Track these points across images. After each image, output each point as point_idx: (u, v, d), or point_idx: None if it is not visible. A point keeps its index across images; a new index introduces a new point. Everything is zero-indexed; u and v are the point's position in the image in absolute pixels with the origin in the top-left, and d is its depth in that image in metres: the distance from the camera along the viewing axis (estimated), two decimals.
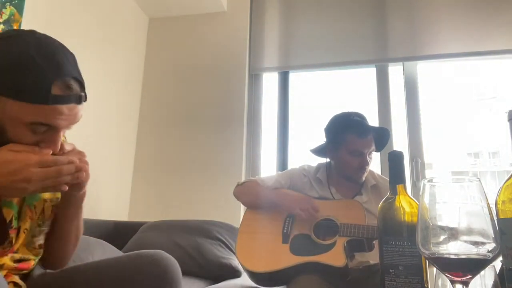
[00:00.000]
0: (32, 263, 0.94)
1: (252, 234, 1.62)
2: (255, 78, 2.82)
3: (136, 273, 0.86)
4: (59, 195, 0.99)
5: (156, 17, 3.01)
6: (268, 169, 2.67)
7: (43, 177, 0.78)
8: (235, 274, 1.87)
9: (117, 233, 2.12)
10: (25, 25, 1.86)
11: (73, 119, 0.85)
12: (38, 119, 0.79)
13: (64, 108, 0.81)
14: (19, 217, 0.90)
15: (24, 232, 0.91)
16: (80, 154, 0.88)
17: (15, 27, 1.82)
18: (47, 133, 0.83)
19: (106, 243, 1.75)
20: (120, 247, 1.90)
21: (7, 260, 0.87)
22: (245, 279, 1.71)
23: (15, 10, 1.82)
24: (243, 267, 1.56)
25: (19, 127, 0.79)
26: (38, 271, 0.99)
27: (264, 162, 2.67)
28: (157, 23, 3.01)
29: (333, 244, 1.46)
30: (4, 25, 1.77)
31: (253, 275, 1.54)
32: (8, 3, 1.79)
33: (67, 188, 0.84)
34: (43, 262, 1.01)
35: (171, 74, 2.87)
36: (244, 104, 2.69)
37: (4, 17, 1.77)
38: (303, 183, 1.72)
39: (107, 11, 2.53)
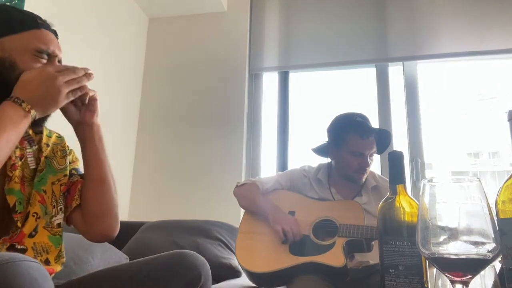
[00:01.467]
0: (54, 270, 0.96)
1: (252, 234, 1.62)
2: (255, 78, 2.82)
3: (171, 273, 0.90)
4: (66, 171, 1.04)
5: (156, 17, 3.01)
6: (268, 169, 2.67)
7: (66, 77, 0.88)
8: (235, 274, 1.87)
9: (117, 233, 2.12)
10: None
11: (59, 48, 0.99)
12: (38, 44, 0.93)
13: (50, 35, 0.97)
14: (28, 202, 0.95)
15: (34, 216, 0.94)
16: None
17: None
18: (48, 62, 0.95)
19: (106, 243, 1.75)
20: (120, 247, 1.90)
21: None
22: (245, 279, 1.71)
23: None
24: (243, 268, 1.56)
25: (25, 56, 0.91)
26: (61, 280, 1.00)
27: (264, 162, 2.67)
28: (157, 23, 3.01)
29: (332, 245, 1.46)
30: None
31: (253, 275, 1.54)
32: (8, 3, 1.79)
33: (88, 83, 0.93)
34: (91, 232, 1.02)
35: (171, 74, 2.87)
36: (244, 104, 2.69)
37: None
38: (303, 184, 1.72)
39: (107, 11, 2.53)
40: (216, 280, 1.79)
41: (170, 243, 1.91)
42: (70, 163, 1.07)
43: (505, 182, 0.67)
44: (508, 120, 0.68)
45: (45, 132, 1.04)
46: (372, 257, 1.52)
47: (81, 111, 1.00)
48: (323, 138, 1.76)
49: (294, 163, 2.59)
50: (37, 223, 0.95)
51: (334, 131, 1.71)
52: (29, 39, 0.92)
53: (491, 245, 0.54)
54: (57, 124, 1.04)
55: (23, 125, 0.83)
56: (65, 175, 1.04)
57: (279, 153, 2.65)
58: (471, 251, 0.55)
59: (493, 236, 0.55)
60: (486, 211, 0.56)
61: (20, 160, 0.96)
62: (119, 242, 1.92)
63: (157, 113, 2.82)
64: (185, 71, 2.85)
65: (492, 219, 0.56)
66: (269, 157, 2.68)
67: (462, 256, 0.55)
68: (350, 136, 1.63)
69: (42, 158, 1.00)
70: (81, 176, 1.06)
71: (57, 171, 1.03)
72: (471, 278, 0.55)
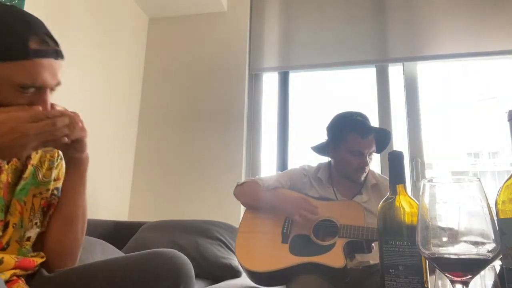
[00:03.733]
0: (35, 261, 0.92)
1: (252, 234, 1.62)
2: (255, 78, 2.82)
3: (152, 271, 0.85)
4: (50, 186, 0.98)
5: (156, 17, 3.01)
6: (268, 169, 2.67)
7: (39, 130, 0.79)
8: (235, 274, 1.87)
9: (117, 233, 2.12)
10: None
11: (55, 75, 0.85)
12: (23, 79, 0.80)
13: (45, 62, 0.82)
14: (8, 211, 0.90)
15: (13, 227, 0.90)
16: (73, 113, 0.88)
17: None
18: (35, 95, 0.83)
19: (106, 243, 1.75)
20: (120, 247, 1.90)
21: (6, 256, 0.85)
22: (245, 279, 1.71)
23: None
24: (243, 267, 1.56)
25: (7, 90, 0.80)
26: (46, 273, 0.96)
27: (264, 162, 2.67)
28: (157, 23, 3.01)
29: (333, 245, 1.46)
30: None
31: (252, 275, 1.54)
32: (8, 3, 1.79)
33: (67, 140, 0.84)
34: (48, 264, 0.97)
35: (171, 74, 2.87)
36: (244, 104, 2.69)
37: None
38: (303, 183, 1.72)
39: (107, 11, 2.53)
40: (216, 280, 1.80)
41: (170, 243, 1.91)
42: (54, 179, 1.01)
43: (505, 182, 0.67)
44: (508, 120, 0.68)
45: None
46: (372, 257, 1.52)
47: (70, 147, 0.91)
48: (323, 138, 1.76)
49: (294, 163, 2.59)
50: (11, 235, 0.90)
51: (333, 129, 1.71)
52: (13, 72, 0.79)
53: (491, 245, 0.54)
54: None
55: None
56: (47, 190, 0.98)
57: (279, 153, 2.65)
58: (471, 251, 0.55)
59: (493, 236, 0.55)
60: (486, 211, 0.56)
61: (7, 164, 0.90)
62: (119, 242, 1.93)
63: (157, 113, 2.82)
64: (185, 71, 2.85)
65: (492, 219, 0.56)
66: (269, 157, 2.68)
67: (462, 256, 0.55)
68: (350, 135, 1.63)
69: (29, 166, 0.95)
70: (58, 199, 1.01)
71: (40, 183, 0.96)
72: (471, 278, 0.55)
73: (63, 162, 1.03)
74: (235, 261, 1.88)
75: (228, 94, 2.73)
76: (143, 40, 2.97)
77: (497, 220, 0.64)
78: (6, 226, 0.89)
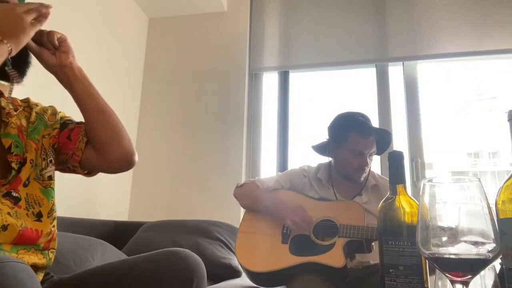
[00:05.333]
0: (38, 232, 0.92)
1: (252, 234, 1.62)
2: (255, 78, 2.82)
3: (165, 270, 0.86)
4: (57, 125, 1.03)
5: (156, 17, 3.01)
6: (268, 169, 2.67)
7: (23, 8, 0.85)
8: (235, 274, 1.87)
9: (117, 233, 2.12)
10: None
11: None
12: None
13: None
14: (25, 149, 0.94)
15: (30, 163, 0.94)
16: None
17: None
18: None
19: (106, 243, 1.75)
20: (120, 247, 1.90)
21: (12, 222, 0.85)
22: (245, 279, 1.71)
23: None
24: (243, 267, 1.56)
25: None
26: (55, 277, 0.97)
27: (264, 162, 2.67)
28: (157, 23, 3.01)
29: (333, 245, 1.46)
30: None
31: (253, 275, 1.54)
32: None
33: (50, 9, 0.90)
34: (111, 164, 1.01)
35: (171, 74, 2.87)
36: (244, 104, 2.69)
37: None
38: (303, 184, 1.72)
39: (107, 11, 2.53)
40: (216, 280, 1.80)
41: (170, 243, 1.91)
42: (61, 118, 1.07)
43: (505, 182, 0.67)
44: (508, 120, 0.68)
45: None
46: (372, 257, 1.52)
47: (56, 56, 0.99)
48: (324, 137, 1.76)
49: (294, 163, 2.59)
50: (30, 172, 0.94)
51: (335, 129, 1.71)
52: None
53: (491, 245, 0.54)
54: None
55: (2, 56, 0.81)
56: (55, 129, 1.03)
57: (279, 153, 2.65)
58: (471, 251, 0.55)
59: (493, 236, 0.55)
60: (486, 211, 0.56)
61: (15, 111, 0.97)
62: (119, 242, 1.93)
63: (157, 113, 2.82)
64: (185, 71, 2.85)
65: (492, 219, 0.56)
66: (269, 157, 2.68)
67: (462, 256, 0.55)
68: (351, 135, 1.63)
69: (33, 113, 1.01)
70: (78, 123, 1.06)
71: (47, 125, 1.02)
72: (471, 278, 0.55)
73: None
74: (235, 261, 1.88)
75: (228, 94, 2.73)
76: (143, 40, 2.97)
77: (497, 220, 0.64)
78: (23, 163, 0.93)
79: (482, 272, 0.73)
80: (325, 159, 1.78)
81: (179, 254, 0.88)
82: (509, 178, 0.67)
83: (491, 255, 0.54)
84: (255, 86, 2.81)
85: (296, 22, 2.77)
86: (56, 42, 0.98)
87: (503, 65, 2.80)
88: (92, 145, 1.01)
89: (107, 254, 1.66)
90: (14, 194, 0.89)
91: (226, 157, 2.61)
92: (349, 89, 3.05)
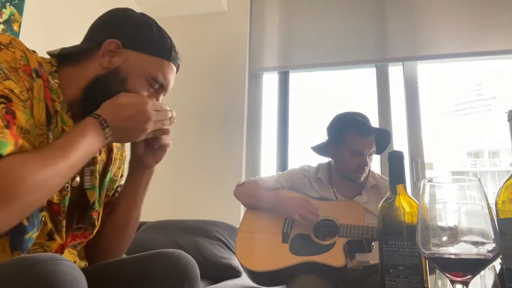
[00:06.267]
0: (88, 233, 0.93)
1: (252, 234, 1.62)
2: (255, 78, 2.82)
3: (158, 271, 0.86)
4: (117, 184, 1.02)
5: (156, 17, 3.00)
6: (268, 169, 2.67)
7: (158, 117, 0.86)
8: (235, 274, 1.87)
9: None
10: (25, 25, 1.86)
11: (171, 84, 0.96)
12: (158, 74, 0.90)
13: (174, 69, 0.96)
14: (100, 202, 0.93)
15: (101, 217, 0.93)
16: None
17: (15, 27, 1.82)
18: (153, 94, 0.92)
19: None
20: None
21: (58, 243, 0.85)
22: (245, 279, 1.71)
23: (15, 10, 1.82)
24: (243, 267, 1.56)
25: (139, 79, 0.88)
26: None
27: (264, 162, 2.67)
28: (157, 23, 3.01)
29: (333, 245, 1.46)
30: (4, 25, 1.77)
31: (253, 275, 1.54)
32: (8, 3, 1.79)
33: (169, 133, 0.92)
34: (92, 258, 0.99)
35: None
36: (244, 104, 2.69)
37: (4, 17, 1.77)
38: (303, 183, 1.72)
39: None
40: (216, 280, 1.80)
41: (170, 243, 1.91)
42: (120, 176, 1.05)
43: (505, 182, 0.67)
44: (508, 120, 0.68)
45: None
46: (372, 257, 1.52)
47: (147, 150, 0.96)
48: (323, 137, 1.76)
49: (294, 163, 2.59)
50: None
51: (334, 129, 1.71)
52: (154, 66, 0.90)
53: (491, 245, 0.54)
54: None
55: (96, 150, 0.80)
56: (112, 188, 1.02)
57: (279, 153, 2.65)
58: (471, 251, 0.55)
59: (493, 236, 0.55)
60: (486, 211, 0.56)
61: (99, 154, 0.93)
62: None
63: None
64: (185, 71, 2.83)
65: (492, 219, 0.56)
66: (269, 157, 2.68)
67: (462, 256, 0.55)
68: (350, 135, 1.63)
69: (113, 159, 0.98)
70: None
71: (112, 180, 1.00)
72: (471, 278, 0.55)
73: (127, 162, 1.08)
74: (235, 261, 1.88)
75: (228, 94, 2.72)
76: None
77: (497, 220, 0.64)
78: (99, 216, 0.93)
79: (482, 272, 0.73)
80: (325, 159, 1.78)
81: (172, 255, 0.88)
82: (509, 178, 0.67)
83: (491, 255, 0.54)
84: (255, 86, 2.81)
85: (296, 22, 2.77)
86: (156, 146, 0.95)
87: (503, 65, 2.80)
88: (95, 239, 0.97)
89: None
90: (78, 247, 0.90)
91: (226, 157, 2.61)
92: (349, 89, 3.05)
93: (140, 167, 0.97)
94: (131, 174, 0.98)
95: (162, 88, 0.93)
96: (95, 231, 0.91)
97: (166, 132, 0.92)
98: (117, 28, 0.90)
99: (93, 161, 0.90)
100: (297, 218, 1.53)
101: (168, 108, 0.90)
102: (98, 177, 0.92)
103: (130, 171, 0.98)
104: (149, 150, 0.95)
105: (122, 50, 0.88)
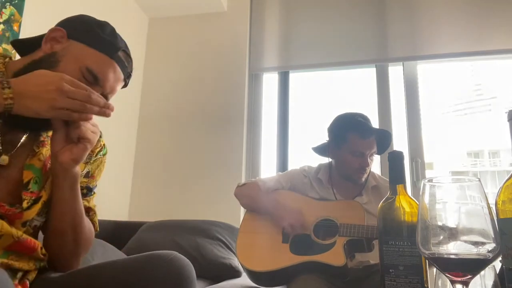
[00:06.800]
0: (37, 244, 0.88)
1: (252, 234, 1.62)
2: (255, 78, 2.82)
3: (152, 273, 0.84)
4: (94, 183, 1.00)
5: (156, 17, 3.01)
6: (268, 169, 2.67)
7: (73, 93, 0.78)
8: (235, 274, 1.87)
9: (117, 233, 2.12)
10: (25, 25, 1.86)
11: (113, 88, 0.93)
12: (93, 65, 0.87)
13: (117, 70, 0.92)
14: (44, 187, 0.88)
15: (42, 204, 0.88)
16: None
17: (15, 27, 1.82)
18: (89, 87, 0.84)
19: (106, 243, 1.75)
20: (120, 247, 1.90)
21: (6, 229, 0.81)
22: (245, 279, 1.71)
23: (15, 10, 1.82)
24: (243, 267, 1.56)
25: (72, 65, 0.86)
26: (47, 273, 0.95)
27: (264, 162, 2.67)
28: (157, 23, 3.01)
29: (333, 244, 1.46)
30: (4, 25, 1.77)
31: (253, 275, 1.54)
32: (8, 3, 1.79)
33: (92, 117, 0.84)
34: (49, 264, 0.95)
35: (171, 74, 2.87)
36: (244, 104, 2.69)
37: (4, 17, 1.77)
38: (304, 184, 1.72)
39: (107, 11, 2.52)
40: (216, 280, 1.80)
41: (170, 243, 1.91)
42: (86, 176, 0.98)
43: (505, 182, 0.67)
44: (508, 120, 0.68)
45: None
46: (372, 257, 1.52)
47: (64, 146, 0.85)
48: (323, 138, 1.76)
49: (294, 163, 2.59)
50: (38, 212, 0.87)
51: (334, 130, 1.71)
52: (92, 57, 0.88)
53: (491, 245, 0.54)
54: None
55: None
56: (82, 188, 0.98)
57: (279, 153, 2.65)
58: (471, 251, 0.55)
59: (493, 236, 0.55)
60: (486, 211, 0.56)
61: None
62: (119, 242, 1.93)
63: (157, 113, 2.82)
64: (185, 71, 2.85)
65: (492, 219, 0.56)
66: (269, 157, 2.68)
67: (462, 256, 0.55)
68: (351, 136, 1.63)
69: None
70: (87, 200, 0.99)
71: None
72: (471, 278, 0.55)
73: (105, 160, 1.04)
74: (235, 261, 1.88)
75: (228, 94, 2.73)
76: (143, 40, 2.97)
77: (497, 220, 0.64)
78: (36, 201, 0.87)
79: (482, 272, 0.73)
80: (326, 160, 1.78)
81: (166, 257, 0.86)
82: (509, 178, 0.67)
83: (491, 255, 0.54)
84: (255, 86, 2.81)
85: (296, 22, 2.77)
86: (76, 139, 0.86)
87: (503, 65, 2.80)
88: (44, 246, 0.92)
89: (107, 254, 1.66)
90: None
91: (226, 157, 2.61)
92: (349, 89, 3.05)
93: (58, 169, 0.86)
94: (54, 177, 0.89)
95: (97, 82, 0.89)
96: (25, 214, 0.85)
97: (85, 117, 0.82)
98: (67, 22, 0.93)
99: (37, 144, 0.88)
100: (286, 226, 1.53)
101: (100, 96, 0.83)
102: (43, 160, 0.87)
103: (52, 169, 0.89)
104: (67, 145, 0.85)
105: (66, 40, 0.89)
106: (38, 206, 0.88)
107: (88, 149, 0.86)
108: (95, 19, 0.96)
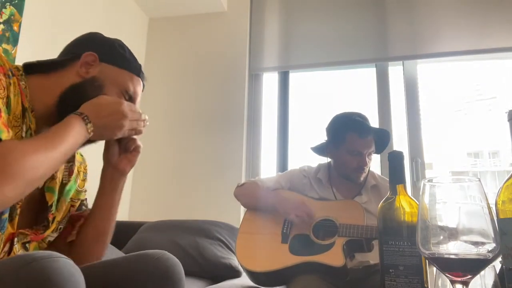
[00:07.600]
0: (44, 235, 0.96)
1: (252, 234, 1.62)
2: (255, 78, 2.82)
3: (139, 273, 0.85)
4: (82, 196, 1.06)
5: (156, 17, 3.01)
6: (268, 169, 2.67)
7: (133, 116, 0.94)
8: (235, 274, 1.87)
9: (117, 233, 2.10)
10: (25, 25, 1.86)
11: (138, 98, 1.05)
12: (130, 87, 0.99)
13: (142, 85, 1.05)
14: (57, 207, 0.96)
15: (56, 224, 0.95)
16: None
17: (15, 27, 1.82)
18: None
19: None
20: (120, 247, 1.90)
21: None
22: (245, 279, 1.71)
23: (15, 10, 1.82)
24: (243, 267, 1.56)
25: (113, 88, 0.97)
26: None
27: (264, 162, 2.67)
28: (157, 23, 3.01)
29: (332, 244, 1.46)
30: (4, 25, 1.77)
31: (253, 275, 1.55)
32: (8, 3, 1.79)
33: (142, 132, 1.00)
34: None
35: (171, 74, 2.87)
36: (244, 104, 2.69)
37: (4, 17, 1.77)
38: (303, 184, 1.72)
39: (107, 11, 2.53)
40: (216, 280, 1.80)
41: (170, 243, 1.91)
42: (84, 191, 1.08)
43: (505, 182, 0.67)
44: (508, 120, 0.68)
45: None
46: (372, 257, 1.52)
47: (120, 156, 1.02)
48: (323, 138, 1.76)
49: (294, 163, 2.59)
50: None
51: (333, 130, 1.72)
52: (126, 79, 0.99)
53: (491, 245, 0.54)
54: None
55: (80, 143, 0.85)
56: (79, 199, 1.05)
57: (279, 153, 2.65)
58: (471, 251, 0.55)
59: (493, 236, 0.55)
60: (486, 211, 0.56)
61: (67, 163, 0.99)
62: (119, 242, 1.93)
63: (157, 113, 2.82)
64: (185, 71, 2.85)
65: (492, 219, 0.56)
66: (269, 157, 2.68)
67: (462, 256, 0.54)
68: (349, 135, 1.63)
69: (73, 174, 1.02)
70: (86, 212, 1.06)
71: (77, 191, 1.04)
72: (471, 278, 0.55)
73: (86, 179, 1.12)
74: (235, 261, 1.88)
75: (228, 94, 2.73)
76: (143, 40, 2.97)
77: (497, 220, 0.64)
78: (53, 221, 0.94)
79: (482, 272, 0.73)
80: (325, 160, 1.78)
81: (154, 256, 0.88)
82: (509, 178, 0.67)
83: (491, 255, 0.54)
84: (255, 86, 2.81)
85: (296, 22, 2.77)
86: (132, 148, 1.02)
87: (503, 65, 2.80)
88: (71, 250, 1.01)
89: (107, 254, 1.65)
90: (27, 245, 0.91)
91: (226, 157, 2.61)
92: (349, 89, 3.05)
93: (116, 175, 1.02)
94: (106, 184, 1.02)
95: (131, 100, 1.01)
96: (46, 233, 0.93)
97: (139, 132, 0.99)
98: (94, 45, 1.00)
99: None
100: (293, 218, 1.53)
101: (141, 111, 0.99)
102: (58, 183, 0.96)
103: (104, 181, 1.02)
104: (123, 155, 1.02)
105: (99, 63, 0.97)
106: (54, 225, 0.96)
107: (139, 155, 1.04)
108: (112, 38, 1.06)
